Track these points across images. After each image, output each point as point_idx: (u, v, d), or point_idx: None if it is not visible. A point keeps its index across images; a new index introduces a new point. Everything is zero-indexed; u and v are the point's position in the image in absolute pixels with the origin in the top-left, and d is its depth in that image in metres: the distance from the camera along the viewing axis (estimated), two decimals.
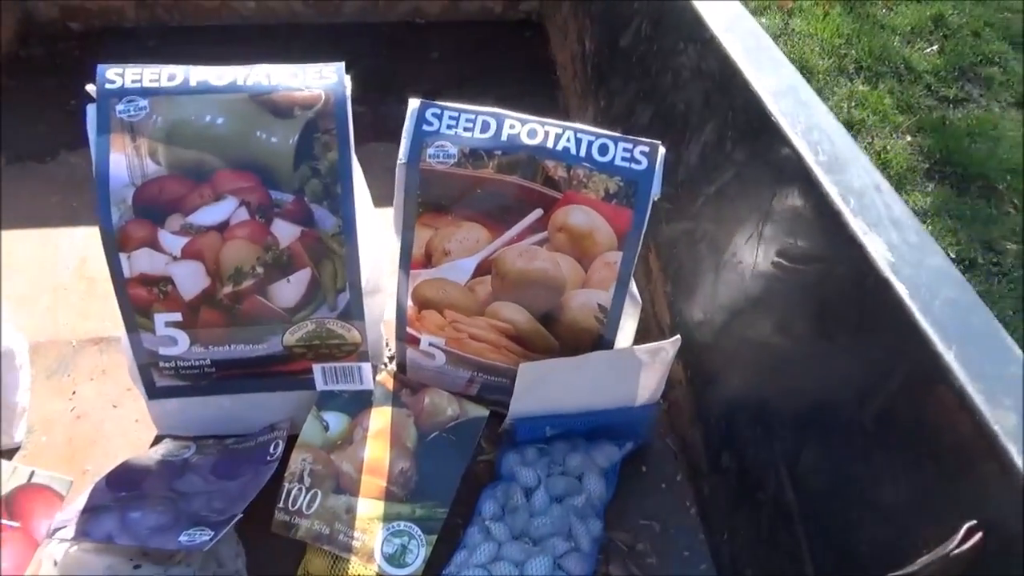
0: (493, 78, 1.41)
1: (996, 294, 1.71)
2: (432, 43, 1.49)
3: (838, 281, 0.57)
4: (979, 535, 0.43)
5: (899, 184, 1.92)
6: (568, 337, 0.78)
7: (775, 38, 2.32)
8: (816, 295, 0.60)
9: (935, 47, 2.34)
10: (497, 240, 0.74)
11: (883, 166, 1.96)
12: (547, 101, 1.38)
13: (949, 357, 0.46)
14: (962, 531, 0.43)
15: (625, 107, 1.04)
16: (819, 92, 2.26)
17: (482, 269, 0.76)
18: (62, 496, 0.70)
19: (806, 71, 2.20)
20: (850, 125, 2.06)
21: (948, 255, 1.89)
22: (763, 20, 2.39)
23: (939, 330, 0.48)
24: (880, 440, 0.53)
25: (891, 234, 0.54)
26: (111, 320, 0.74)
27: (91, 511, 0.69)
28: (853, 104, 2.12)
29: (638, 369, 0.78)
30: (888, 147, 2.00)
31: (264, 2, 1.44)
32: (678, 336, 0.77)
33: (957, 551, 0.42)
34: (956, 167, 1.96)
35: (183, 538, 0.66)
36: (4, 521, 0.67)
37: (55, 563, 0.66)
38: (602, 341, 0.77)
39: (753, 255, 0.69)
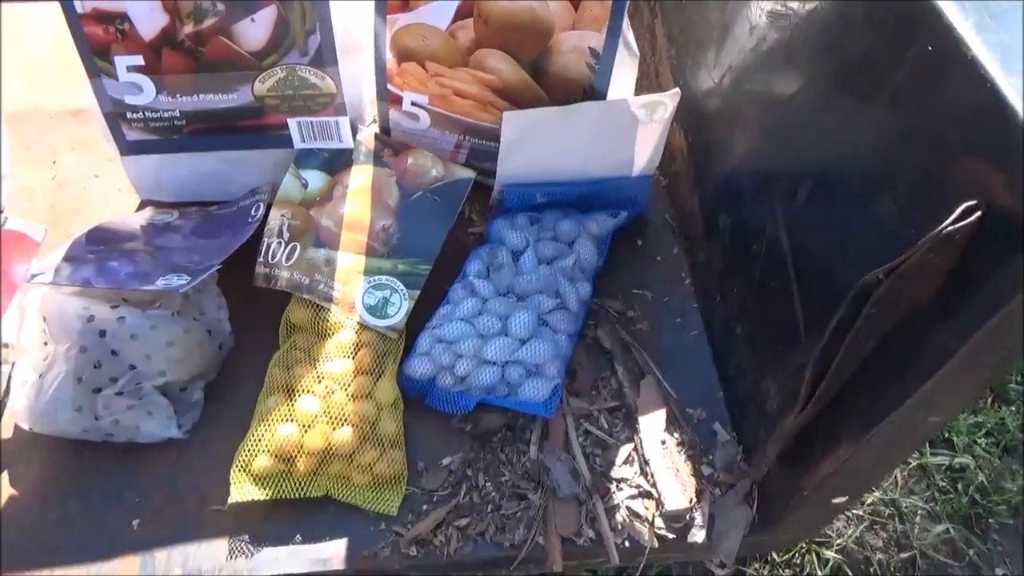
0: None
1: None
2: None
3: None
4: (977, 214, 0.39)
5: None
6: (558, 89, 0.72)
7: None
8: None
9: None
10: None
11: None
12: None
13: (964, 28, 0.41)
14: (959, 210, 0.39)
15: None
16: None
17: (464, 11, 0.69)
18: (38, 243, 0.69)
19: None
20: None
21: None
22: None
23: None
24: (885, 131, 0.48)
25: None
26: (88, 91, 0.70)
27: (69, 260, 0.69)
28: None
29: (633, 127, 0.73)
30: None
31: None
32: (677, 89, 0.72)
33: (951, 228, 0.39)
34: None
35: (160, 282, 0.65)
36: None
37: (34, 306, 0.66)
38: (594, 92, 0.72)
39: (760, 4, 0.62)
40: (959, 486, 1.07)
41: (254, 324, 0.72)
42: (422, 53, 0.72)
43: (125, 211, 0.82)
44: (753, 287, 0.66)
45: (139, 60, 0.68)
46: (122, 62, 0.68)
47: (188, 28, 0.67)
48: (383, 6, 0.70)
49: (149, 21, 0.66)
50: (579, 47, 0.69)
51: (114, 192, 0.84)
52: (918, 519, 1.05)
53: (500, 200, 0.78)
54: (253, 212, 0.75)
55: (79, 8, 0.65)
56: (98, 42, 0.67)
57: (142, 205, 0.82)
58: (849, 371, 0.47)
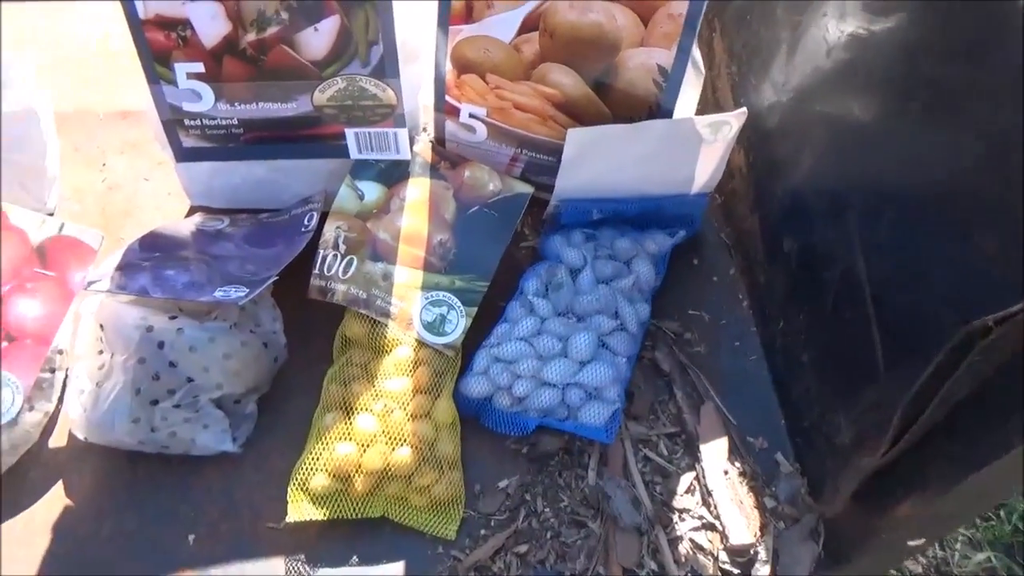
0: None
1: None
2: None
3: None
4: None
5: None
6: (622, 106, 0.71)
7: None
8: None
9: None
10: None
11: None
12: None
13: None
14: None
15: None
16: None
17: (529, 24, 0.68)
18: (94, 249, 0.68)
19: None
20: None
21: None
22: None
23: None
24: (988, 166, 0.46)
25: None
26: (138, 94, 0.70)
27: (124, 268, 0.68)
28: None
29: (696, 146, 0.71)
30: None
31: None
32: (744, 109, 0.70)
33: None
34: None
35: (218, 293, 0.64)
36: (38, 270, 0.66)
37: (92, 314, 0.65)
38: (659, 111, 0.70)
39: (838, 18, 0.60)
40: (1001, 513, 1.05)
41: (306, 335, 0.71)
42: (484, 65, 0.71)
43: (175, 216, 0.82)
44: (824, 315, 0.64)
45: (199, 67, 0.67)
46: (182, 69, 0.67)
47: (250, 36, 0.66)
48: (446, 17, 0.69)
49: (211, 28, 0.65)
50: (646, 64, 0.68)
51: (164, 196, 0.83)
52: (959, 546, 1.03)
53: (555, 215, 0.77)
54: (306, 221, 0.74)
55: (141, 13, 0.64)
56: (159, 48, 0.66)
57: (192, 210, 0.82)
58: (942, 415, 0.46)
